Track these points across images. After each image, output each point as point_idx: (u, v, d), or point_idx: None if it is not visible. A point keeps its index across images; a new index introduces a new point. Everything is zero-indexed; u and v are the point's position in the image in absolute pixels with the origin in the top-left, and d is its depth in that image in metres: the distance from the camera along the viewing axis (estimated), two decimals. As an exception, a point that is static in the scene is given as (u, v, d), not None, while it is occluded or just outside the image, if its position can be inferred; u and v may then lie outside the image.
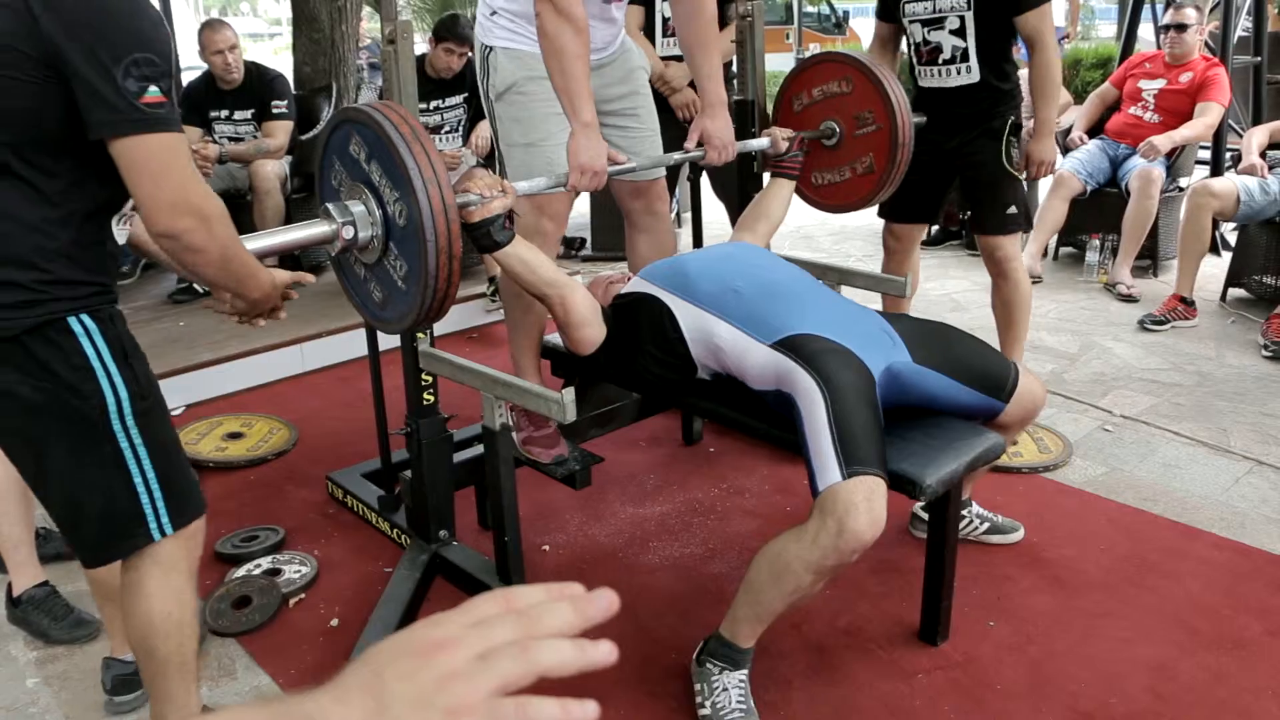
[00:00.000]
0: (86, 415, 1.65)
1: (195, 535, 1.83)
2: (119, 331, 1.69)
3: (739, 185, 3.38)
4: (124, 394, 1.67)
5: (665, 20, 4.11)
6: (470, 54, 4.83)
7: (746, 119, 3.27)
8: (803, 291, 2.29)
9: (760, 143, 2.91)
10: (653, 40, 4.13)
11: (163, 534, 1.75)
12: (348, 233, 1.97)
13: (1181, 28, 5.00)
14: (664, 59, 4.10)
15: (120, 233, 1.75)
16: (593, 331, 2.29)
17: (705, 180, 4.20)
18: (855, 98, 2.94)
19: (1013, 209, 3.30)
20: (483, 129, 4.89)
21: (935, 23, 3.21)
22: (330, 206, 1.99)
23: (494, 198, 2.11)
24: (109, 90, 1.47)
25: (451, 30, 4.76)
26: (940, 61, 3.25)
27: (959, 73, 3.23)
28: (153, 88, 1.50)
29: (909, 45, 3.36)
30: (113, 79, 1.47)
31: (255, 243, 1.88)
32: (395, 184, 1.91)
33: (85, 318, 1.63)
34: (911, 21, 3.27)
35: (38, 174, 1.56)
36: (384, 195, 1.95)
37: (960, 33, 3.18)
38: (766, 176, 2.99)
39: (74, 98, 1.49)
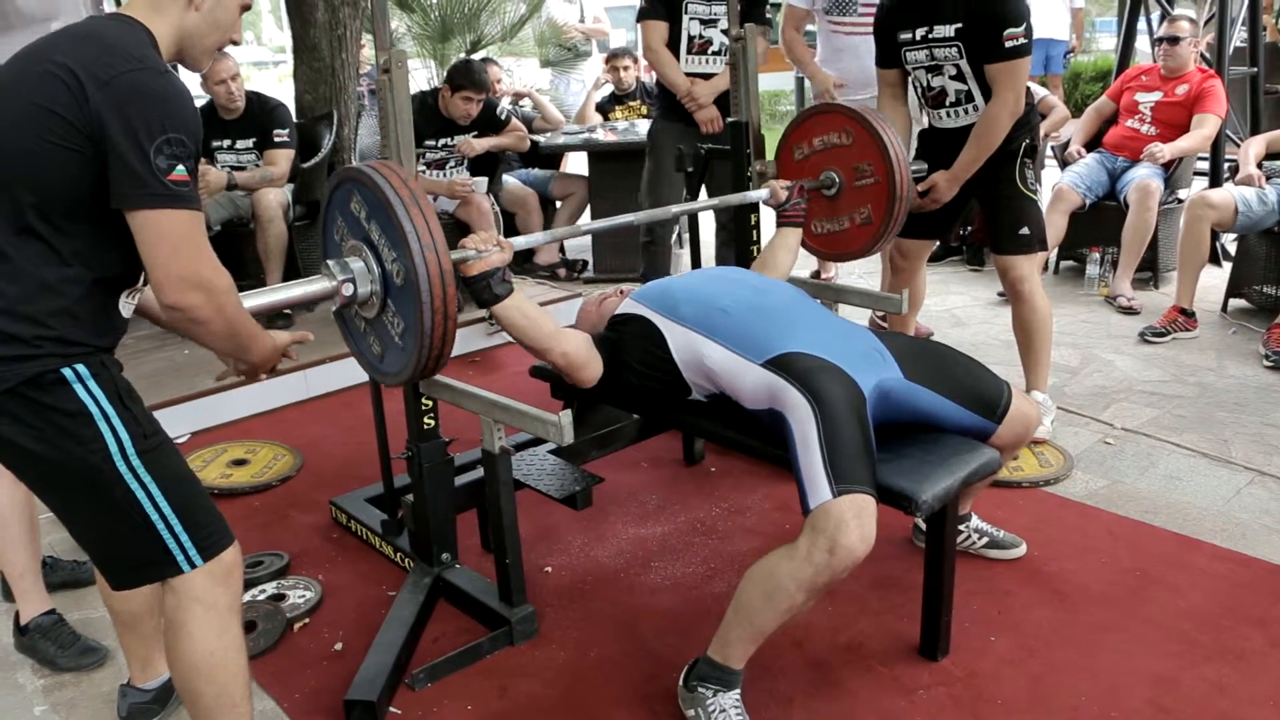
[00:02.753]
0: (90, 462, 1.66)
1: (233, 571, 1.82)
2: (113, 375, 1.71)
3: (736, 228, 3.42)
4: (125, 436, 1.68)
5: (691, 38, 4.17)
6: (486, 97, 4.92)
7: (741, 141, 3.30)
8: (792, 310, 2.31)
9: (760, 193, 2.95)
10: (678, 57, 4.19)
11: (192, 566, 1.76)
12: (347, 290, 2.03)
13: (1175, 40, 5.02)
14: (689, 75, 4.16)
15: (127, 306, 1.78)
16: (592, 370, 2.33)
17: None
18: (855, 149, 2.97)
19: (1025, 230, 3.32)
20: (477, 143, 4.97)
21: (935, 69, 3.25)
22: (331, 263, 2.05)
23: (491, 252, 2.15)
24: (141, 165, 1.55)
25: (469, 79, 4.85)
26: (946, 104, 3.30)
27: (966, 113, 3.28)
28: (180, 166, 1.59)
29: (915, 88, 3.39)
30: (146, 155, 1.55)
31: (259, 299, 1.95)
32: (393, 244, 1.97)
33: (79, 366, 1.65)
34: (914, 68, 3.32)
35: (56, 234, 1.62)
36: (382, 254, 2.01)
37: (960, 77, 3.22)
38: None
39: (105, 169, 1.57)
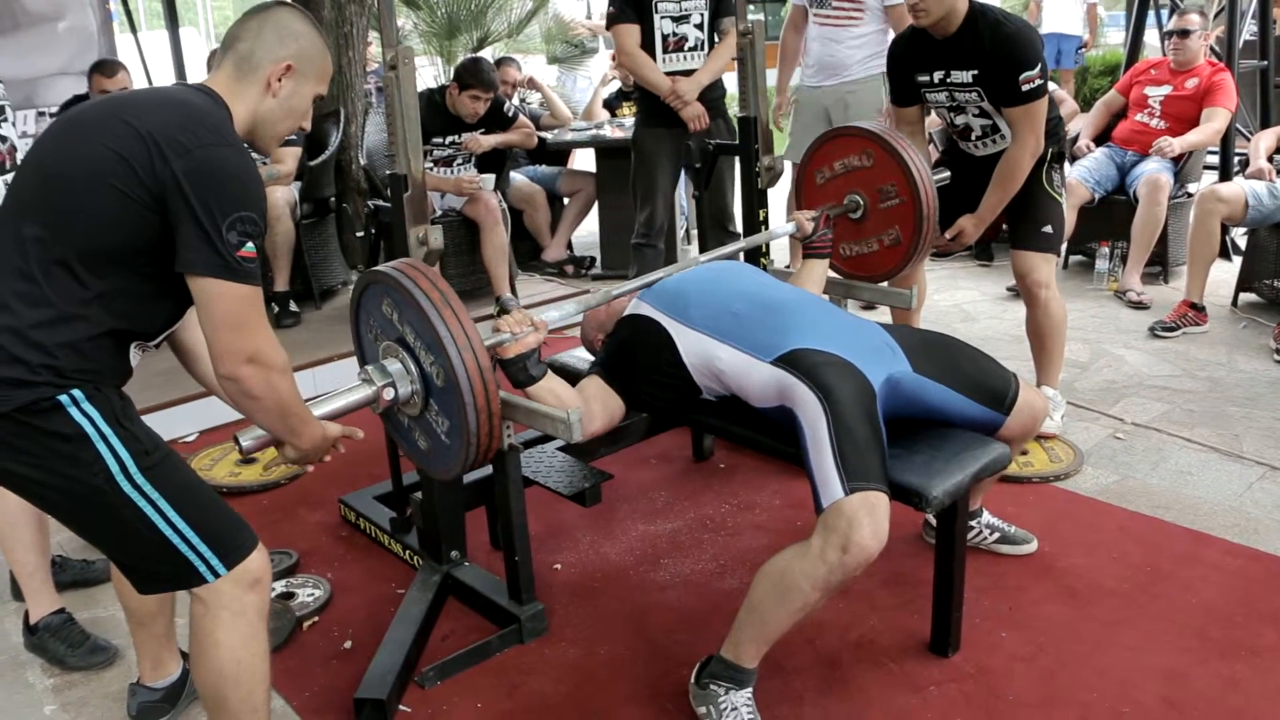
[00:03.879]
0: (93, 484, 1.65)
1: (261, 577, 1.81)
2: (108, 395, 1.69)
3: (745, 201, 3.41)
4: (125, 455, 1.67)
5: (665, 37, 4.15)
6: (494, 96, 4.91)
7: (750, 136, 3.30)
8: (801, 306, 2.30)
9: (787, 228, 2.91)
10: (654, 57, 4.17)
11: (215, 575, 1.75)
12: (389, 394, 2.05)
13: (1185, 34, 5.00)
14: (669, 74, 4.14)
15: (135, 356, 1.80)
16: (617, 418, 2.37)
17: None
18: (877, 171, 2.96)
19: (1049, 228, 3.31)
20: (485, 139, 4.96)
21: (957, 109, 3.24)
22: (370, 369, 2.07)
23: (526, 333, 2.16)
24: (215, 237, 1.60)
25: (477, 77, 4.83)
26: (973, 139, 3.29)
27: (994, 143, 3.26)
28: (249, 244, 1.64)
29: (945, 122, 3.39)
30: (219, 229, 1.60)
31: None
32: (429, 348, 1.98)
33: (74, 391, 1.64)
34: (937, 108, 3.31)
35: (89, 274, 1.64)
36: (420, 356, 2.02)
37: (983, 115, 3.20)
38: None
39: (157, 227, 1.62)
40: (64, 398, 1.63)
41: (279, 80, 1.80)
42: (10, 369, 1.60)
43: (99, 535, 1.77)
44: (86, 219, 1.62)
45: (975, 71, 3.09)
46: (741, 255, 2.91)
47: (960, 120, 3.27)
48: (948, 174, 3.28)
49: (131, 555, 1.77)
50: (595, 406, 2.31)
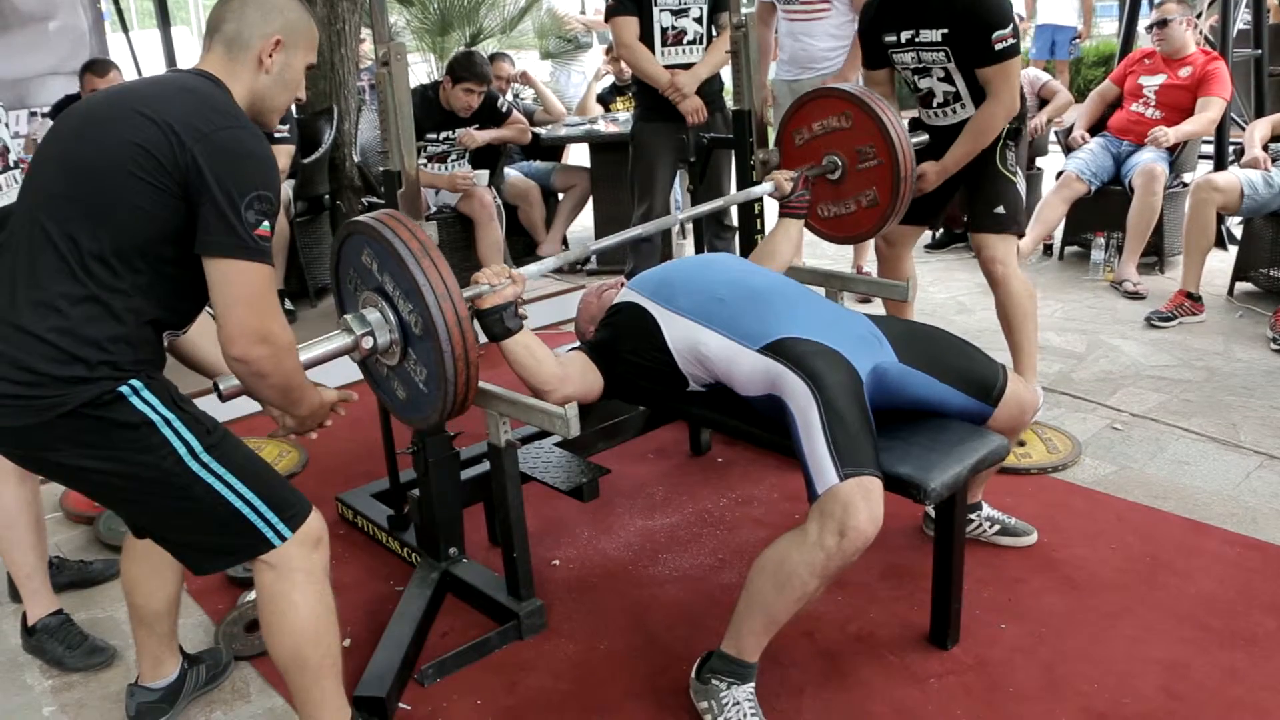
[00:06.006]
0: (164, 467, 1.71)
1: (322, 536, 1.88)
2: (164, 383, 1.76)
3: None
4: (190, 437, 1.73)
5: (664, 30, 4.14)
6: (488, 89, 4.89)
7: (744, 129, 3.29)
8: (788, 295, 2.30)
9: (764, 188, 2.92)
10: (653, 51, 4.16)
11: (282, 539, 1.81)
12: (367, 343, 2.05)
13: (1164, 24, 4.99)
14: (668, 68, 4.13)
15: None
16: (594, 394, 2.36)
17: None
18: (855, 132, 2.95)
19: (1001, 209, 3.28)
20: (479, 135, 4.95)
21: (922, 71, 3.23)
22: (349, 317, 2.07)
23: (504, 285, 2.15)
24: (233, 217, 1.63)
25: (470, 70, 4.80)
26: (934, 105, 3.28)
27: (954, 111, 3.25)
28: (266, 223, 1.67)
29: (907, 88, 3.38)
30: (238, 209, 1.63)
31: None
32: (408, 296, 1.97)
33: (133, 381, 1.70)
34: (901, 70, 3.29)
35: (125, 267, 1.67)
36: (398, 304, 2.01)
37: (948, 79, 3.19)
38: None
39: (185, 214, 1.65)
40: (124, 388, 1.68)
41: (270, 56, 1.81)
42: (70, 368, 1.64)
43: (170, 519, 1.80)
44: (119, 213, 1.64)
45: (945, 30, 3.08)
46: (735, 215, 2.89)
47: (924, 84, 3.25)
48: (926, 137, 3.26)
49: (203, 533, 1.80)
50: (573, 370, 2.31)
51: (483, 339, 2.06)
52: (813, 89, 3.15)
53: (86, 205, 1.65)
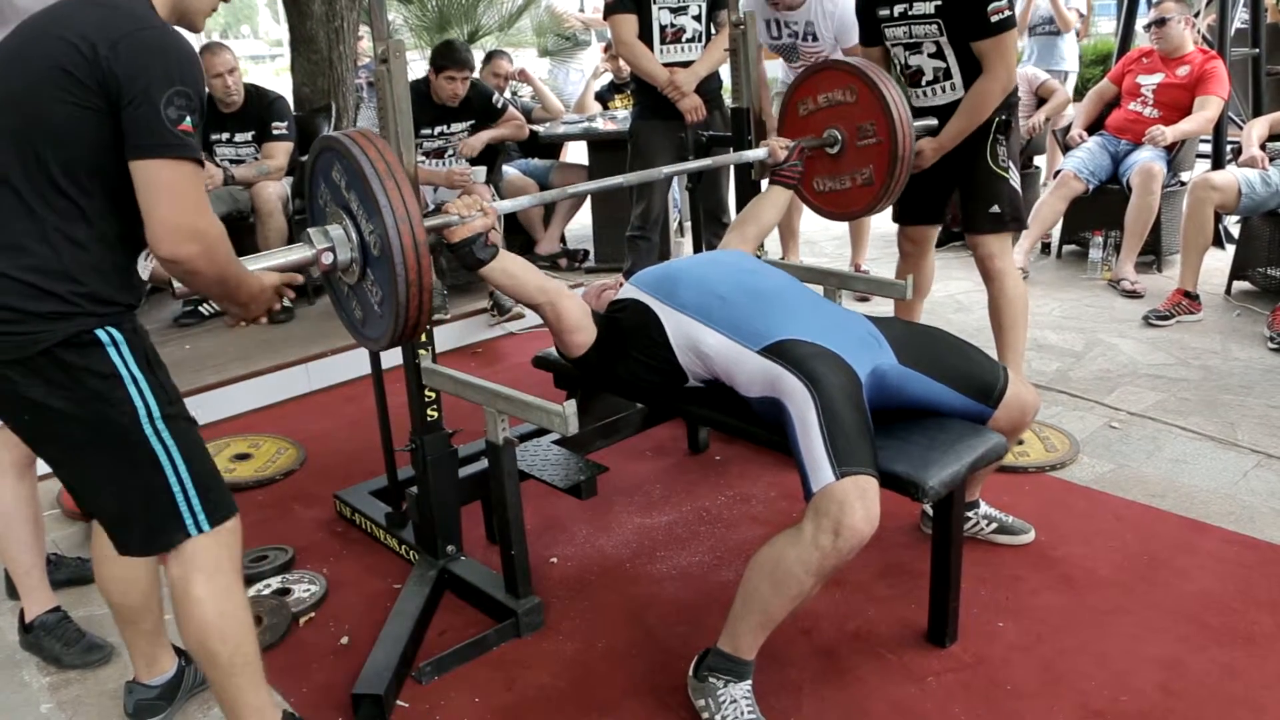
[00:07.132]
0: (118, 421, 1.73)
1: (234, 535, 1.88)
2: (143, 343, 1.78)
3: (739, 195, 3.40)
4: (151, 400, 1.75)
5: (663, 27, 4.14)
6: (473, 77, 4.87)
7: (743, 127, 3.29)
8: (788, 297, 2.30)
9: (758, 153, 2.92)
10: (651, 48, 4.16)
11: (199, 530, 1.81)
12: (327, 258, 2.06)
13: (1162, 22, 5.00)
14: (667, 65, 4.12)
15: (144, 268, 1.83)
16: (584, 335, 2.36)
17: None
18: (859, 108, 2.95)
19: (996, 208, 3.26)
20: (476, 140, 4.95)
21: (913, 47, 3.22)
22: (312, 231, 2.08)
23: (474, 217, 2.17)
24: (153, 116, 1.60)
25: (449, 57, 4.78)
26: (924, 83, 3.26)
27: (943, 91, 3.23)
28: (188, 118, 1.63)
29: (896, 68, 3.36)
30: (157, 106, 1.60)
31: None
32: (369, 215, 1.98)
33: (111, 329, 1.71)
34: (893, 45, 3.28)
35: (81, 194, 1.67)
36: (361, 224, 2.03)
37: (938, 55, 3.18)
38: (764, 184, 3.00)
39: (115, 126, 1.62)
40: (103, 334, 1.70)
41: None
42: (45, 303, 1.65)
43: (103, 476, 1.79)
44: (60, 143, 1.63)
45: (938, 2, 3.07)
46: (732, 177, 2.87)
47: (914, 61, 3.24)
48: (935, 122, 3.22)
49: (126, 500, 1.80)
50: (568, 300, 2.33)
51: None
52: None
53: (26, 138, 1.64)
